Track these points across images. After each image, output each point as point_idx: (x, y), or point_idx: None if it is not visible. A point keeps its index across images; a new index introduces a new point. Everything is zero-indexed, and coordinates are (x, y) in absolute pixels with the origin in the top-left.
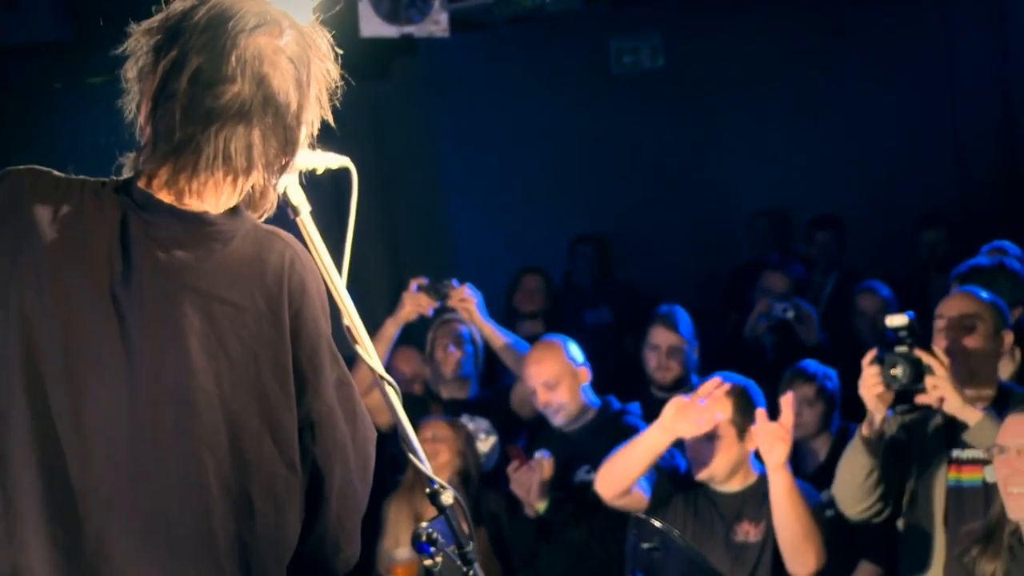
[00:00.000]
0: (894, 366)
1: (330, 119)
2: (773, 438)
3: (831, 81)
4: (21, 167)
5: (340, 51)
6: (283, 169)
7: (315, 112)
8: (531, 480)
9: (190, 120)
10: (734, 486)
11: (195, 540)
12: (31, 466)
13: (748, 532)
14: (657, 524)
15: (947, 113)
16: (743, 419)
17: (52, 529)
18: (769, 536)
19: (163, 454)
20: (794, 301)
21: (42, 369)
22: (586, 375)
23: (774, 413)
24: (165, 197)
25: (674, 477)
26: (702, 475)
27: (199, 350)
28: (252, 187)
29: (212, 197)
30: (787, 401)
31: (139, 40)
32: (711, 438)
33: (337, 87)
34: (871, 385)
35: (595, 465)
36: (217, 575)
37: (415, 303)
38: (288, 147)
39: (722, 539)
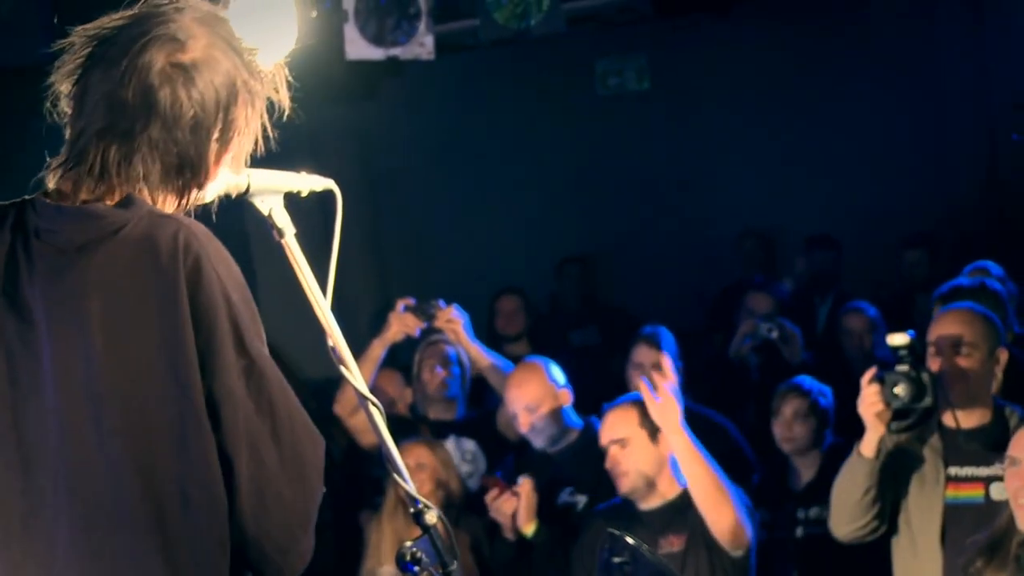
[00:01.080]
0: (896, 385)
1: (261, 145)
2: (663, 405)
3: (817, 103)
4: None
5: (324, 74)
6: (185, 190)
7: (245, 134)
8: (512, 507)
9: (82, 126)
10: (656, 500)
11: (133, 538)
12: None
13: (672, 544)
14: (629, 539)
15: (932, 135)
16: (650, 422)
17: (9, 547)
18: (691, 541)
19: (87, 457)
20: (778, 321)
21: None
22: (567, 397)
23: (761, 436)
24: (60, 202)
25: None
26: (624, 487)
27: (103, 343)
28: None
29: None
30: (663, 361)
31: (76, 43)
32: (624, 445)
33: (284, 115)
34: (871, 404)
35: (578, 487)
36: (160, 571)
37: (402, 324)
38: (186, 166)
39: None
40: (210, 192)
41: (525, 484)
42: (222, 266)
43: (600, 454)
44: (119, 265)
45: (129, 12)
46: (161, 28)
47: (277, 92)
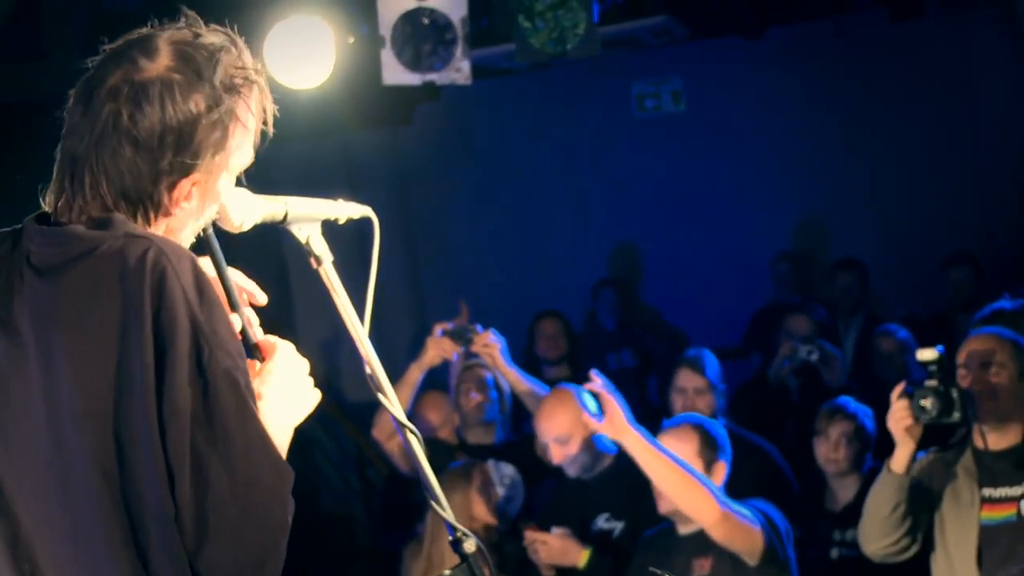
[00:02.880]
0: (924, 399)
1: (233, 154)
2: (607, 413)
3: (853, 124)
4: None
5: (361, 99)
6: (140, 214)
7: (216, 160)
8: (558, 547)
9: (59, 150)
10: (693, 525)
11: (110, 554)
12: None
13: (703, 567)
14: None
15: (971, 151)
16: (709, 452)
17: (12, 557)
18: (717, 563)
19: (70, 475)
20: (818, 343)
21: None
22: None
23: (800, 458)
24: (48, 224)
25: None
26: (665, 508)
27: (75, 362)
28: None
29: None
30: (593, 378)
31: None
32: None
33: (268, 120)
34: (900, 418)
35: (615, 513)
36: None
37: (439, 348)
38: (130, 189)
39: None
40: (248, 220)
41: (559, 534)
42: (191, 285)
43: (635, 478)
44: (89, 285)
45: (132, 34)
46: (128, 49)
47: (263, 118)
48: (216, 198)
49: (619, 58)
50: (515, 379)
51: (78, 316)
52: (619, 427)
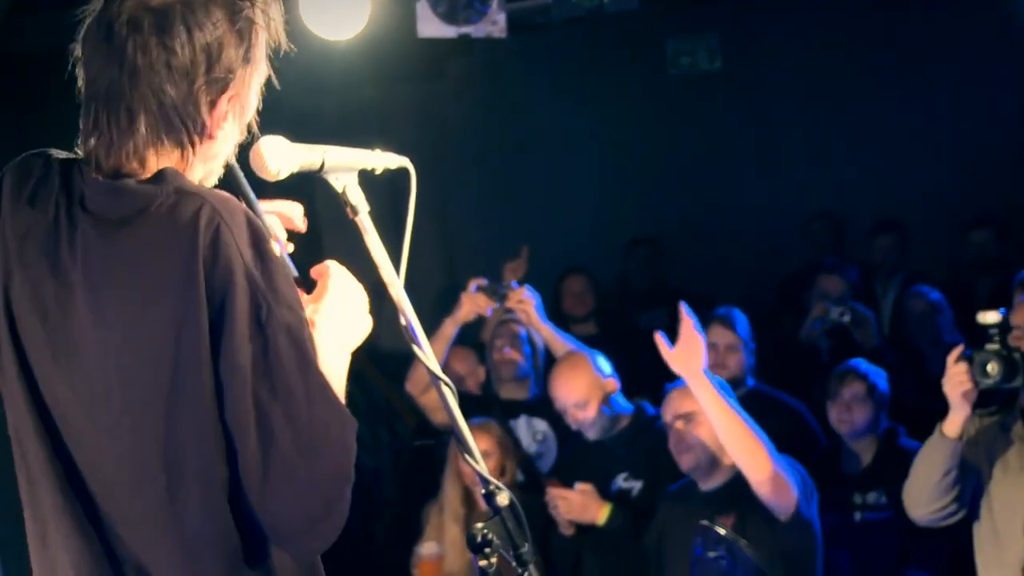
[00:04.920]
0: (987, 363)
1: (250, 73)
2: (686, 351)
3: (890, 83)
4: (18, 159)
5: (396, 52)
6: (183, 142)
7: (243, 76)
8: (578, 502)
9: (84, 91)
10: (714, 482)
11: (145, 508)
12: (36, 439)
13: (725, 524)
14: (721, 531)
15: (1011, 113)
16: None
17: (38, 509)
18: (738, 522)
19: (109, 425)
20: (850, 304)
21: (26, 347)
22: (614, 385)
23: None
24: (97, 170)
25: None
26: (688, 463)
27: (124, 318)
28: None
29: (135, 167)
30: (682, 312)
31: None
32: (690, 420)
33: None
34: (958, 383)
35: (633, 472)
36: (170, 542)
37: (473, 303)
38: (173, 115)
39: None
40: (285, 168)
41: (580, 490)
42: (246, 241)
43: (653, 437)
44: (142, 244)
45: None
46: None
47: (274, 25)
48: (249, 115)
49: (655, 13)
50: (549, 335)
51: (131, 275)
52: (693, 369)
